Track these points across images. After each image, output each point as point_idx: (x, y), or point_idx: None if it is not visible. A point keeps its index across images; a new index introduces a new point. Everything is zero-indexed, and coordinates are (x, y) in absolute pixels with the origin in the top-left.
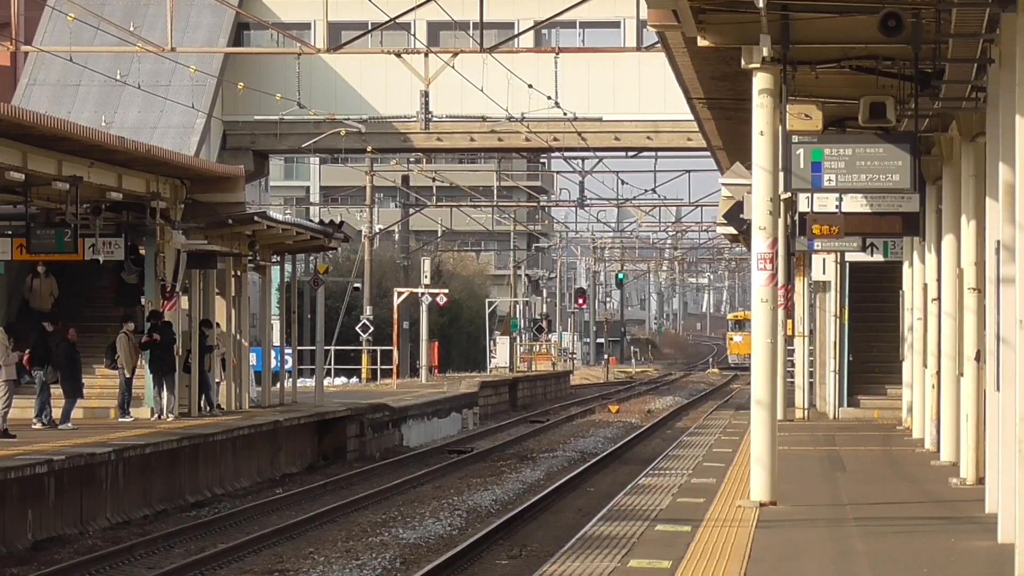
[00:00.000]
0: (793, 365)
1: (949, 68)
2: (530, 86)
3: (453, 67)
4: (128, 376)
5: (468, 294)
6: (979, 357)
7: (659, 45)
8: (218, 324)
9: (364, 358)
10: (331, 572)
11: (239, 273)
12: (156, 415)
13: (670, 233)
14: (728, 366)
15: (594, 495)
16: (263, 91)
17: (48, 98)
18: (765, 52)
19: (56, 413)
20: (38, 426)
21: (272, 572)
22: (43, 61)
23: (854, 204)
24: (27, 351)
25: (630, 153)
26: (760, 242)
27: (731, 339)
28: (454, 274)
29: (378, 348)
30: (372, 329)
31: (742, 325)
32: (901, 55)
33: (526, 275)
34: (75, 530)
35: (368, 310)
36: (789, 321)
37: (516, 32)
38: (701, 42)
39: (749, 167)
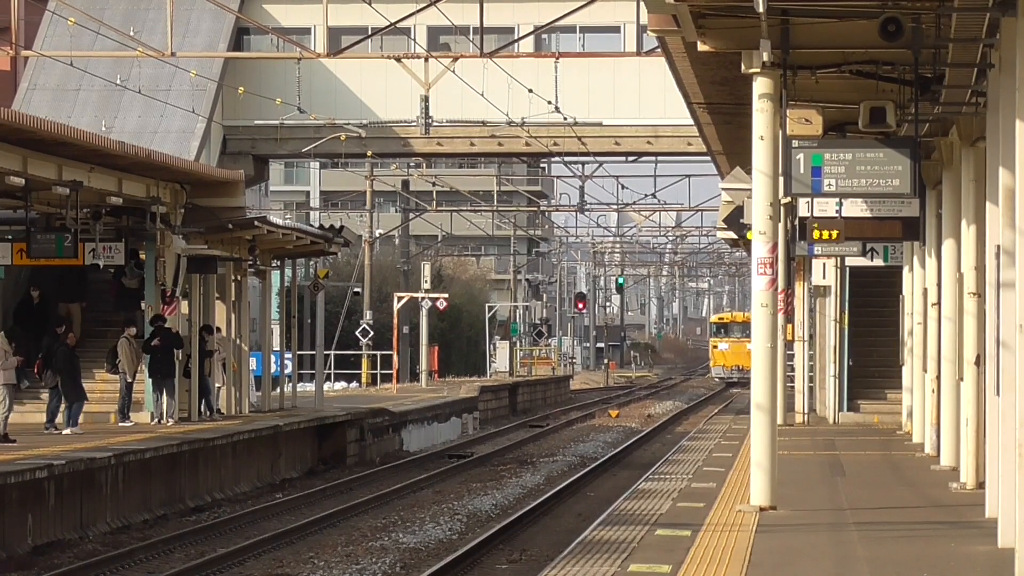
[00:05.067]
0: (793, 370)
1: (949, 73)
2: (530, 91)
3: (453, 72)
4: (130, 381)
5: (468, 298)
6: (979, 361)
7: (659, 50)
8: (218, 328)
9: (364, 363)
10: None
11: (239, 278)
12: (156, 420)
13: (670, 238)
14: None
15: (594, 500)
16: (263, 96)
17: (48, 103)
18: (765, 57)
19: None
20: (67, 431)
21: None
22: (43, 65)
23: (854, 209)
24: (40, 356)
25: (630, 158)
26: (760, 247)
27: (714, 347)
28: (454, 278)
29: (378, 353)
30: (372, 334)
31: (728, 329)
32: (901, 60)
33: (526, 279)
34: (75, 535)
35: (368, 315)
36: (789, 326)
37: (516, 37)
38: (701, 47)
39: (749, 172)
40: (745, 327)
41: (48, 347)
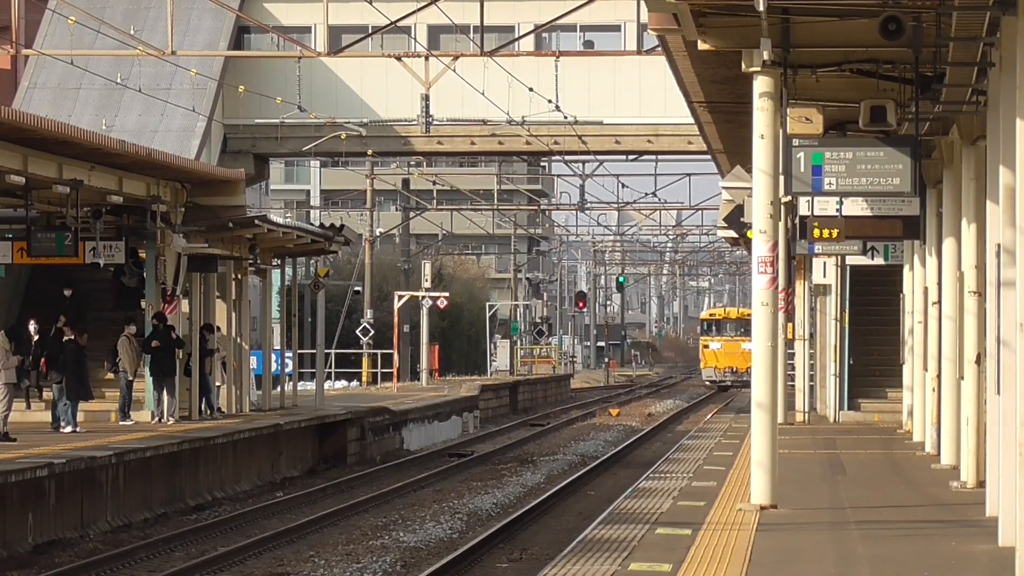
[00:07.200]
0: (793, 368)
1: (950, 71)
2: (531, 89)
3: (454, 70)
4: (130, 379)
5: (468, 297)
6: (979, 360)
7: (660, 49)
8: (219, 327)
9: (364, 362)
10: (332, 575)
11: (240, 276)
12: (156, 418)
13: (670, 236)
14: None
15: (595, 498)
16: (264, 94)
17: (49, 101)
18: (766, 56)
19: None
20: (68, 430)
21: (273, 575)
22: (44, 64)
23: (855, 207)
24: (44, 355)
25: (630, 156)
26: (761, 246)
27: (705, 346)
28: (454, 277)
29: (378, 351)
30: (372, 332)
31: (720, 327)
32: (902, 59)
33: (526, 278)
34: (75, 533)
35: (368, 313)
36: (790, 324)
37: (517, 36)
38: (702, 46)
39: (750, 170)
40: (739, 324)
41: (50, 346)
